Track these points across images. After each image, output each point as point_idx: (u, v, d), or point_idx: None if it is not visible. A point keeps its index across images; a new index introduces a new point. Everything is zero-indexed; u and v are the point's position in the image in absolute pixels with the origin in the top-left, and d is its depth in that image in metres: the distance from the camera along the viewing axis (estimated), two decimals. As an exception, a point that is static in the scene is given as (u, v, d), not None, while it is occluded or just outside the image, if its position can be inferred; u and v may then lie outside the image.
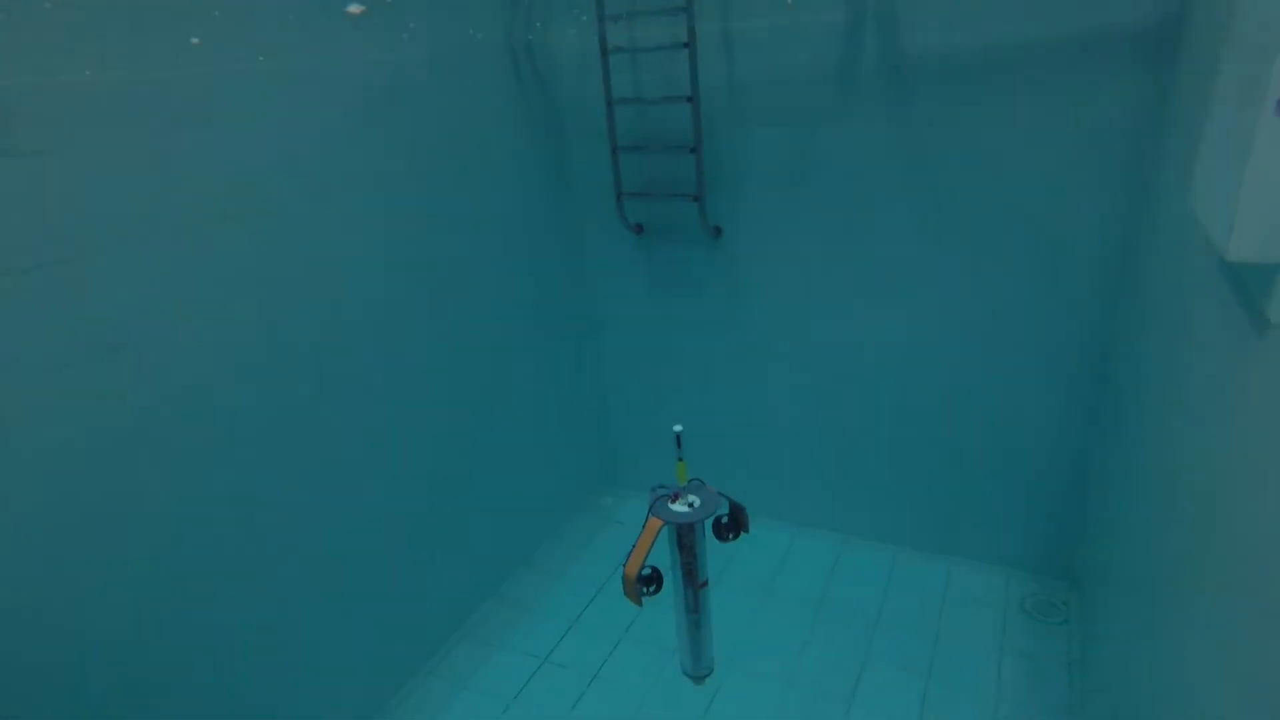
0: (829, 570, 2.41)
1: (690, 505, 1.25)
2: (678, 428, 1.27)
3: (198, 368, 1.43)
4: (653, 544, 1.21)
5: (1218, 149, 0.98)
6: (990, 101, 1.80)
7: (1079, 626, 2.06)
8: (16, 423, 1.18)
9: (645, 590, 1.23)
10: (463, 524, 2.20)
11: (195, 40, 1.36)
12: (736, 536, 1.32)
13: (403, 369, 1.90)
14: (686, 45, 1.94)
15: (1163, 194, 1.56)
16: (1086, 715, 1.75)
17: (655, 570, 1.24)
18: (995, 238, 1.92)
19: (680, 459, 1.27)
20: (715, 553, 1.32)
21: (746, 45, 2.02)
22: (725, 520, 1.31)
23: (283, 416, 1.61)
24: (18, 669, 1.22)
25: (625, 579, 1.20)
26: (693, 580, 1.31)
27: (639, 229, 2.36)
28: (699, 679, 1.43)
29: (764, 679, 2.02)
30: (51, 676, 1.26)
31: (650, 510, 1.25)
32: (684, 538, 1.27)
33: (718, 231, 2.25)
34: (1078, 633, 2.05)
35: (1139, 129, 1.69)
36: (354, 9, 1.65)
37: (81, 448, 1.27)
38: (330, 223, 1.66)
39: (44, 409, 1.21)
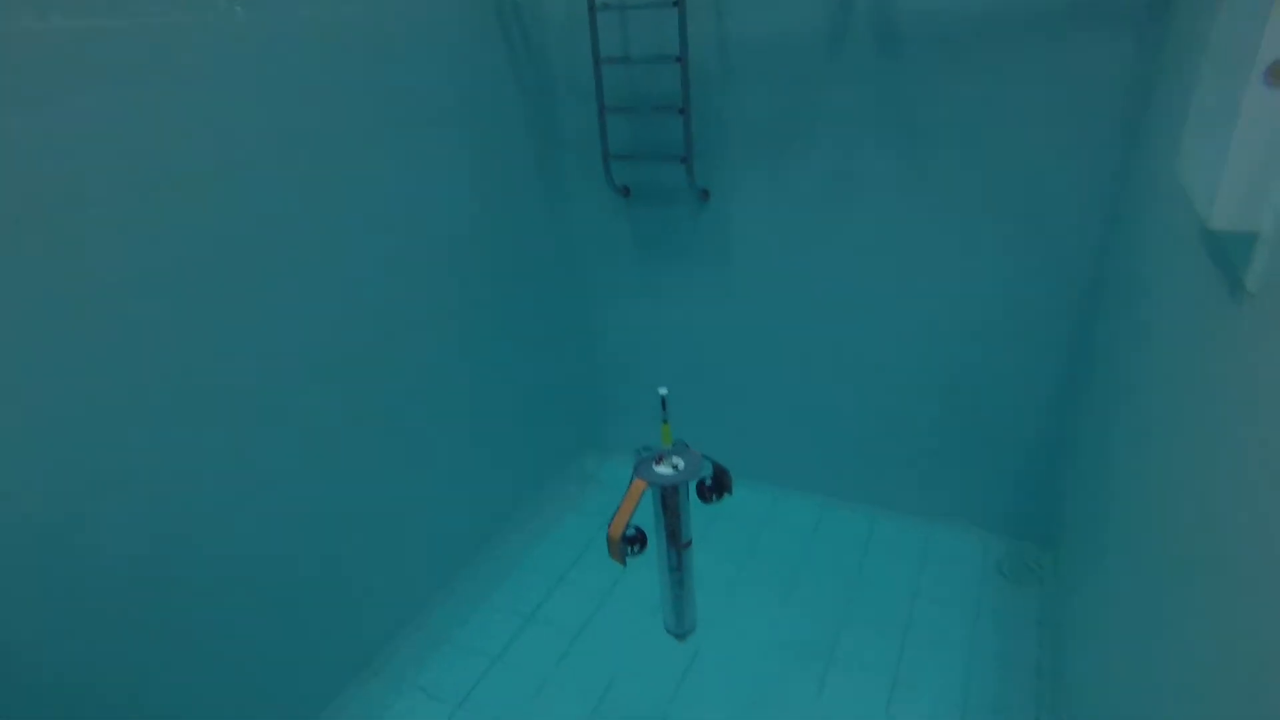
0: (810, 532, 2.45)
1: (674, 467, 1.26)
2: (662, 391, 1.28)
3: (174, 343, 1.41)
4: (637, 505, 1.22)
5: (1205, 116, 0.98)
6: (979, 66, 1.79)
7: (1052, 588, 2.11)
8: (-5, 380, 1.17)
9: (630, 550, 1.25)
10: (447, 486, 2.21)
11: (169, -12, 1.32)
12: (719, 498, 1.34)
13: (386, 332, 1.89)
14: (676, 4, 1.91)
15: (1150, 161, 1.56)
16: (1056, 673, 1.80)
17: (640, 531, 1.26)
18: (981, 203, 1.92)
19: (665, 421, 1.28)
20: (698, 514, 1.34)
21: (736, 5, 1.98)
22: (708, 482, 1.33)
23: (264, 384, 1.60)
24: None
25: (610, 539, 1.22)
26: (676, 541, 1.33)
27: (626, 191, 2.35)
28: (682, 636, 1.46)
29: (745, 636, 2.07)
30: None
31: (635, 472, 1.26)
32: (668, 499, 1.28)
33: (705, 194, 2.24)
34: (1051, 594, 2.10)
35: (1128, 95, 1.68)
36: (335, -41, 1.61)
37: (45, 425, 1.26)
38: (310, 186, 1.63)
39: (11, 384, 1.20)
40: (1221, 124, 0.85)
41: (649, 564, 1.37)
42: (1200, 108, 1.02)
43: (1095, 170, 1.78)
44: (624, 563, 1.25)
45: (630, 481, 1.25)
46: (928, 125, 1.90)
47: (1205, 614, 0.80)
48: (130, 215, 1.30)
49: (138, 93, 1.29)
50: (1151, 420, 1.19)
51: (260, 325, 1.56)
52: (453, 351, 2.12)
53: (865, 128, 1.96)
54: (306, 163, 1.60)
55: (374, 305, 1.83)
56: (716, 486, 1.33)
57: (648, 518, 1.30)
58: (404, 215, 1.87)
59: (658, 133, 2.20)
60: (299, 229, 1.60)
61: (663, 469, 1.26)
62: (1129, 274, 1.58)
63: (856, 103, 1.94)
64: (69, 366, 1.26)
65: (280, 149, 1.55)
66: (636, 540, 1.26)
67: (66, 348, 1.25)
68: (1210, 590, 0.79)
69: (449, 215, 2.01)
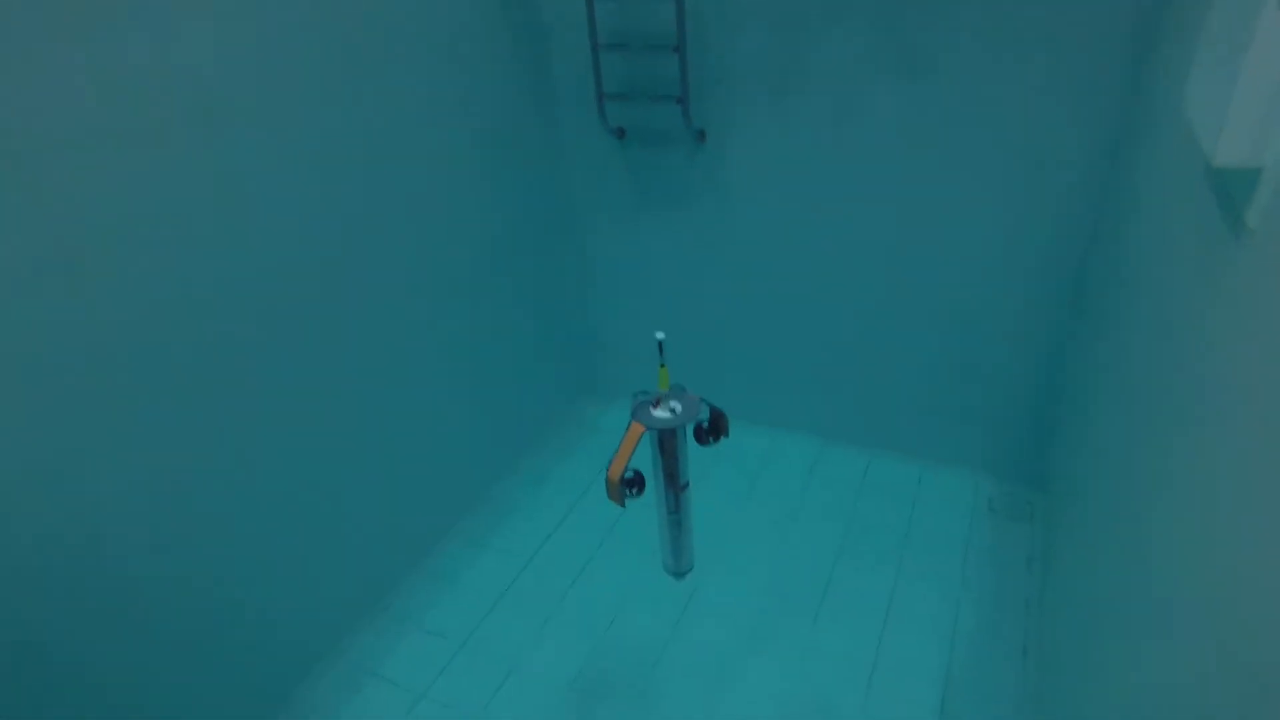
0: (807, 472, 2.48)
1: (672, 411, 1.27)
2: (660, 335, 1.27)
3: (157, 285, 1.39)
4: (635, 448, 1.23)
5: (1215, 48, 0.96)
6: (981, 2, 1.74)
7: (1042, 526, 2.16)
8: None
9: (628, 492, 1.26)
10: (447, 432, 2.23)
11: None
12: (716, 440, 1.35)
13: (381, 280, 1.88)
14: (671, -67, 1.84)
15: (1155, 97, 1.53)
16: (1043, 606, 1.85)
17: (638, 473, 1.27)
18: (982, 144, 1.89)
19: (662, 365, 1.28)
20: (696, 456, 1.35)
21: (734, -67, 1.91)
22: (705, 425, 1.33)
23: (260, 331, 1.59)
24: None
25: (609, 482, 1.23)
26: (674, 483, 1.34)
27: (621, 133, 2.30)
28: (680, 575, 1.49)
29: (741, 574, 2.12)
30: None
31: (632, 416, 1.27)
32: (665, 442, 1.29)
33: (701, 136, 2.20)
34: (1040, 532, 2.15)
35: (1135, 28, 1.64)
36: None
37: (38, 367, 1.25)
38: (297, 130, 1.59)
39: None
40: (1232, 56, 0.83)
41: (647, 506, 1.39)
42: (1210, 39, 0.99)
43: (1099, 108, 1.74)
44: (623, 504, 1.26)
45: (628, 425, 1.25)
46: (929, 62, 1.85)
47: (1207, 552, 0.81)
48: (109, 164, 1.28)
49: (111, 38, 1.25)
50: (1144, 358, 1.19)
51: (245, 272, 1.55)
52: (446, 299, 2.11)
53: (866, 65, 1.91)
54: (288, 105, 1.56)
55: (362, 252, 1.81)
56: (713, 429, 1.34)
57: (646, 461, 1.31)
58: (389, 159, 1.82)
59: (653, 72, 2.15)
60: (278, 171, 1.57)
61: (660, 412, 1.27)
62: (1128, 213, 1.57)
63: (857, 39, 1.89)
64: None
65: (259, 90, 1.50)
66: (635, 483, 1.27)
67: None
68: (1210, 531, 0.81)
69: (436, 159, 1.97)
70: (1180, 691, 0.77)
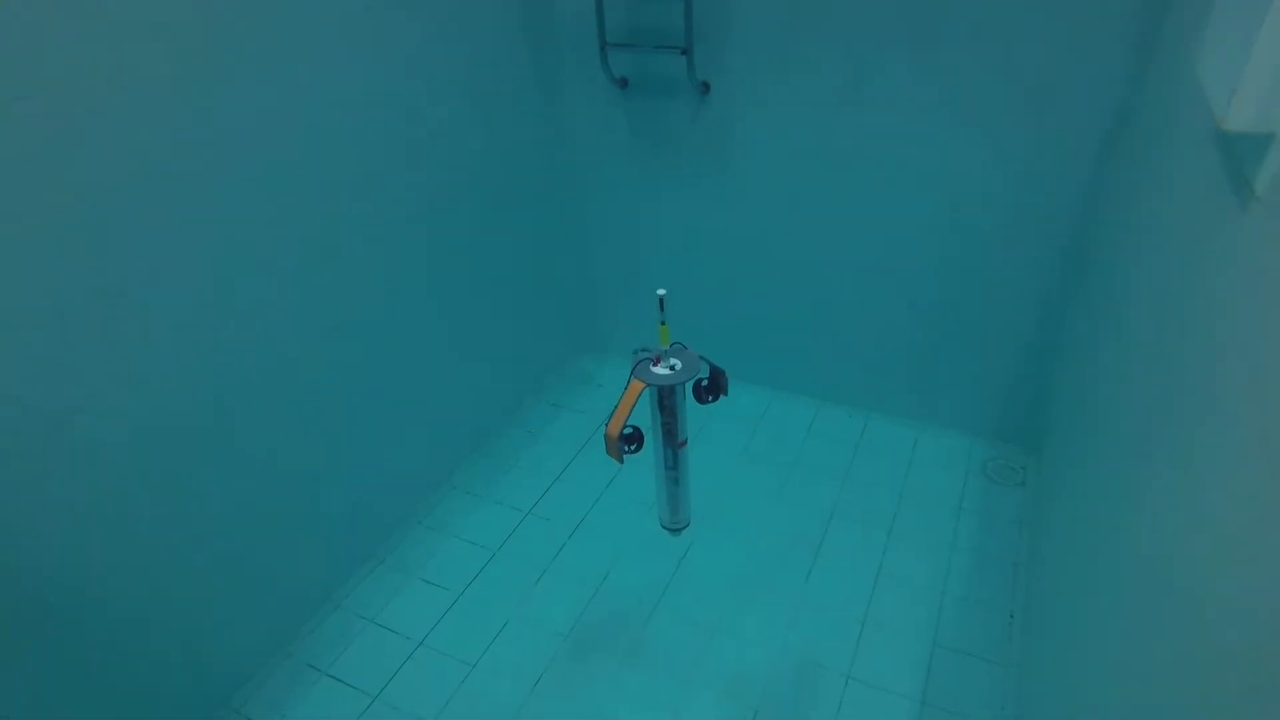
0: (803, 432, 2.50)
1: (671, 368, 1.27)
2: (661, 291, 1.27)
3: (163, 242, 1.39)
4: (634, 405, 1.24)
5: (1232, 10, 0.94)
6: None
7: (1034, 490, 2.18)
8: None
9: (627, 449, 1.27)
10: (446, 385, 2.23)
11: None
12: (716, 399, 1.35)
13: (381, 232, 1.86)
14: (679, -124, 1.78)
15: (1167, 55, 1.51)
16: (1032, 567, 1.89)
17: (636, 429, 1.28)
18: (986, 104, 1.86)
19: (663, 323, 1.28)
20: (695, 414, 1.36)
21: (744, -122, 1.85)
22: (705, 383, 1.34)
23: (260, 280, 1.58)
24: None
25: (608, 437, 1.24)
26: (672, 440, 1.35)
27: (623, 83, 2.26)
28: (676, 531, 1.51)
29: (737, 531, 2.15)
30: None
31: (632, 372, 1.27)
32: (665, 399, 1.30)
33: (706, 88, 2.16)
34: (1032, 495, 2.17)
35: (1151, -14, 1.60)
36: None
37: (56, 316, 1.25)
38: (291, 83, 1.55)
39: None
40: (1248, 17, 0.82)
41: (645, 462, 1.40)
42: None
43: (1106, 70, 1.71)
44: (621, 460, 1.27)
45: (628, 382, 1.26)
46: (941, 16, 1.81)
47: (1199, 511, 0.82)
48: (105, 112, 1.26)
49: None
50: (1146, 324, 1.19)
51: (246, 227, 1.54)
52: (441, 250, 2.09)
53: (875, 20, 1.87)
54: (278, 56, 1.52)
55: (358, 202, 1.79)
56: (713, 388, 1.34)
57: (645, 417, 1.32)
58: (383, 106, 1.79)
59: (657, 20, 2.10)
60: (274, 123, 1.54)
61: (660, 370, 1.27)
62: (1134, 174, 1.55)
63: (867, -9, 1.84)
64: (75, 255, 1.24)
65: (253, 41, 1.47)
66: (633, 439, 1.28)
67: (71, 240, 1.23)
68: (1203, 493, 0.82)
69: (433, 105, 1.93)
70: (1167, 660, 0.79)
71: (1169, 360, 1.02)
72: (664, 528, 1.52)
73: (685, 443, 1.38)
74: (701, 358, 1.31)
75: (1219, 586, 0.68)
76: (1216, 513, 0.73)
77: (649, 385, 1.26)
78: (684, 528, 1.52)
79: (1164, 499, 0.90)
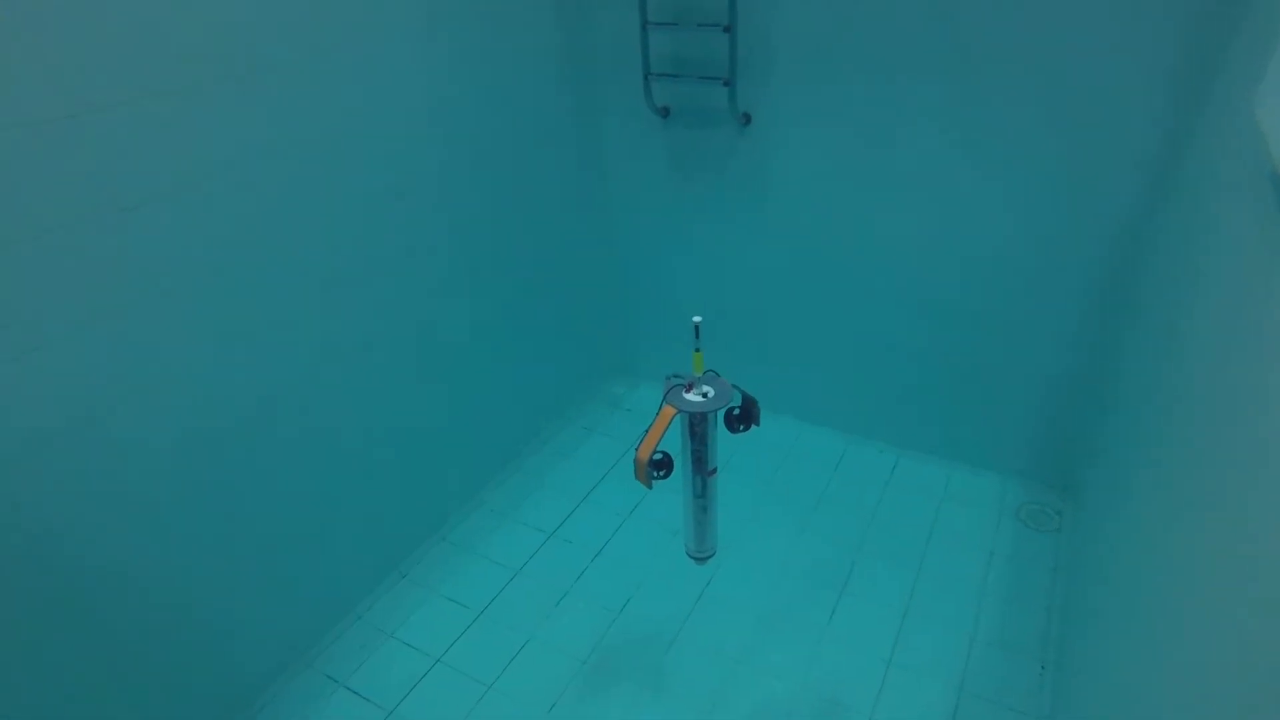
0: (832, 466, 2.46)
1: (704, 395, 1.26)
2: (697, 319, 1.27)
3: (191, 253, 1.42)
4: (665, 430, 1.23)
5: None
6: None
7: (1069, 535, 2.12)
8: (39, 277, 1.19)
9: (655, 474, 1.26)
10: (476, 404, 2.25)
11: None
12: (747, 428, 1.34)
13: (420, 251, 1.89)
14: (729, -89, 1.81)
15: (1221, 101, 1.48)
16: (1065, 616, 1.83)
17: (666, 455, 1.27)
18: (1028, 139, 1.84)
19: (697, 350, 1.27)
20: (725, 442, 1.35)
21: (793, -86, 1.87)
22: (737, 412, 1.33)
23: (294, 295, 1.61)
24: None
25: (637, 462, 1.23)
26: (702, 467, 1.34)
27: (665, 112, 2.28)
28: (702, 559, 1.49)
29: (762, 564, 2.12)
30: None
31: (665, 398, 1.27)
32: (696, 426, 1.29)
33: (747, 119, 2.17)
34: (1067, 541, 2.11)
35: (1203, 20, 1.57)
36: None
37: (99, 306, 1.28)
38: (331, 102, 1.59)
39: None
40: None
41: (672, 489, 1.39)
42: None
43: (1159, 103, 1.68)
44: (650, 485, 1.27)
45: (660, 407, 1.25)
46: (980, 55, 1.80)
47: (1238, 567, 0.79)
48: (138, 119, 1.30)
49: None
50: (1196, 372, 1.16)
51: (280, 240, 1.57)
52: (479, 270, 2.12)
53: (914, 55, 1.87)
54: (318, 70, 1.56)
55: (396, 225, 1.81)
56: (745, 417, 1.33)
57: (675, 444, 1.31)
58: (424, 126, 1.82)
59: (701, 52, 2.12)
60: (311, 140, 1.58)
61: (693, 396, 1.26)
62: (1184, 220, 1.52)
63: (905, 26, 1.84)
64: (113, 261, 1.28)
65: (289, 52, 1.51)
66: (663, 465, 1.27)
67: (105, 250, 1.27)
68: (1245, 546, 0.79)
69: (472, 127, 1.96)
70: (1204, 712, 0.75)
71: (1221, 408, 0.99)
72: (689, 556, 1.50)
73: (715, 471, 1.37)
74: (734, 386, 1.30)
75: (1272, 645, 0.65)
76: (1269, 568, 0.70)
77: (681, 411, 1.26)
78: (710, 556, 1.50)
79: (1213, 552, 0.87)
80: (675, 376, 1.31)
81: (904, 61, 1.89)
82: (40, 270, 1.19)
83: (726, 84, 2.05)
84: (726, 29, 1.97)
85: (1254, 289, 0.97)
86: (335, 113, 1.59)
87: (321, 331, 1.69)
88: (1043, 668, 1.79)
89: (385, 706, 1.78)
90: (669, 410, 1.25)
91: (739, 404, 1.32)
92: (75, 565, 1.33)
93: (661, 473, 1.28)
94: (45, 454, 1.25)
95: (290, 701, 1.78)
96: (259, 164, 1.47)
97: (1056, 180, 1.86)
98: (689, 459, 1.34)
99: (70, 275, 1.22)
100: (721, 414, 1.31)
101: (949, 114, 1.90)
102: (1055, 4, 1.68)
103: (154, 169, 1.30)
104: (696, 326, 1.26)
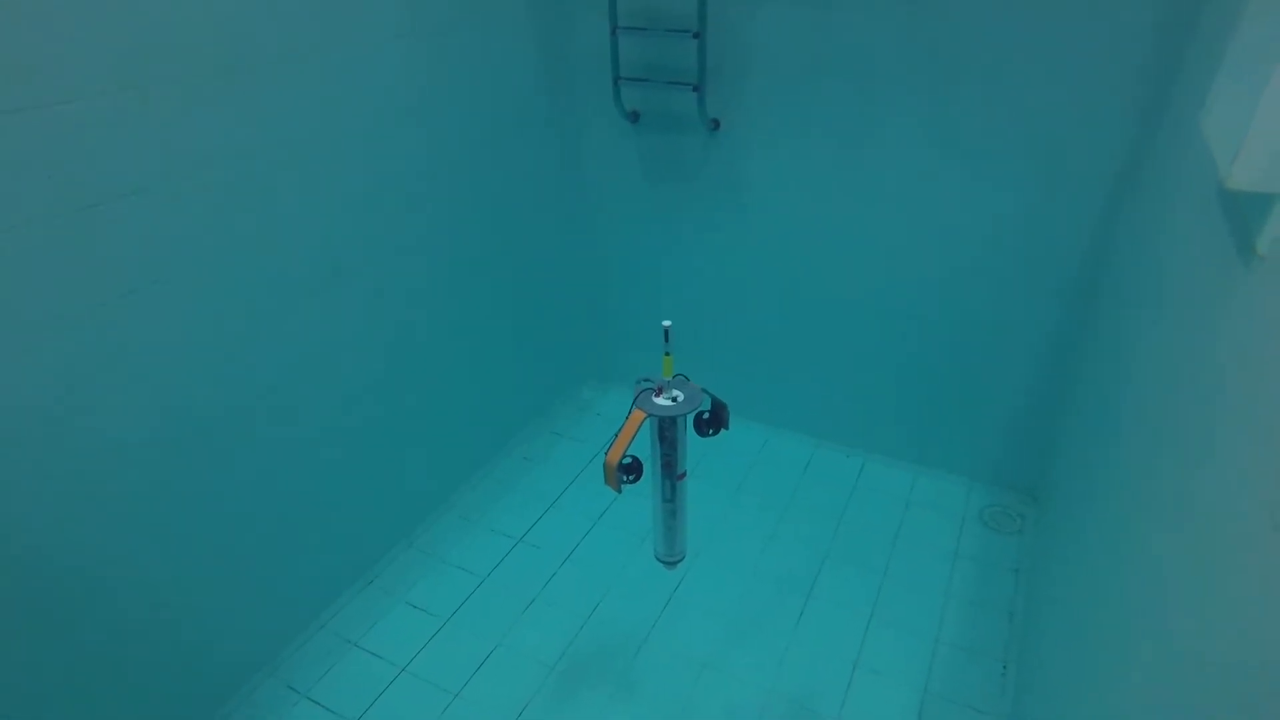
0: (800, 471, 2.49)
1: (674, 399, 1.27)
2: (666, 323, 1.27)
3: (175, 249, 1.40)
4: (635, 435, 1.24)
5: (1239, 69, 0.96)
6: (1010, 6, 1.73)
7: (1032, 539, 2.17)
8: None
9: (625, 478, 1.26)
10: (444, 408, 2.22)
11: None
12: (717, 432, 1.35)
13: (396, 255, 1.87)
14: (698, -80, 1.83)
15: (1175, 113, 1.53)
16: (1027, 617, 1.87)
17: (636, 460, 1.27)
18: (999, 150, 1.88)
19: (667, 354, 1.28)
20: (694, 447, 1.35)
21: (762, -75, 1.90)
22: (706, 416, 1.34)
23: (266, 297, 1.59)
24: None
25: (607, 466, 1.23)
26: (671, 471, 1.34)
27: (635, 117, 2.29)
28: (671, 564, 1.50)
29: (730, 567, 2.13)
30: None
31: (634, 402, 1.27)
32: (665, 431, 1.29)
33: (716, 124, 2.19)
34: (1030, 544, 2.16)
35: (1163, 40, 1.62)
36: None
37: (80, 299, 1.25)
38: (306, 104, 1.58)
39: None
40: (1255, 78, 0.83)
41: (641, 493, 1.39)
42: (1235, 58, 0.99)
43: (1121, 117, 1.73)
44: (619, 490, 1.27)
45: (629, 411, 1.26)
46: (950, 63, 1.84)
47: (1195, 569, 0.82)
48: (127, 112, 1.27)
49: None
50: (1150, 378, 1.20)
51: (253, 242, 1.55)
52: (452, 273, 2.10)
53: (885, 65, 1.90)
54: (294, 73, 1.54)
55: (369, 228, 1.80)
56: (714, 421, 1.34)
57: (644, 448, 1.31)
58: (399, 130, 1.81)
59: (671, 57, 2.14)
60: (286, 141, 1.56)
61: (662, 400, 1.27)
62: (1141, 229, 1.57)
63: (879, 34, 1.87)
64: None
65: (265, 53, 1.49)
66: (632, 469, 1.27)
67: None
68: (1197, 549, 0.81)
69: (448, 132, 1.96)
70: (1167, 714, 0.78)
71: (1172, 414, 1.02)
72: (659, 560, 1.51)
73: (684, 475, 1.37)
74: (704, 390, 1.31)
75: (1222, 643, 0.67)
76: (1218, 569, 0.72)
77: (650, 415, 1.26)
78: (679, 561, 1.50)
79: (1166, 553, 0.89)
80: (645, 380, 1.31)
81: (874, 72, 1.92)
82: (10, 267, 1.16)
83: (696, 89, 2.06)
84: (696, 35, 1.98)
85: (1203, 297, 1.01)
86: (311, 115, 1.57)
87: (293, 334, 1.66)
88: (1005, 668, 1.82)
89: (348, 718, 1.75)
90: (638, 414, 1.25)
91: (708, 408, 1.33)
92: (37, 565, 1.30)
93: (631, 477, 1.28)
94: (11, 453, 1.22)
95: (251, 714, 1.75)
96: (233, 163, 1.45)
97: (1022, 190, 1.90)
98: (658, 463, 1.34)
99: (38, 272, 1.19)
100: (691, 418, 1.31)
101: (919, 123, 1.93)
102: (1027, 15, 1.72)
103: (123, 165, 1.27)
104: (666, 331, 1.27)
